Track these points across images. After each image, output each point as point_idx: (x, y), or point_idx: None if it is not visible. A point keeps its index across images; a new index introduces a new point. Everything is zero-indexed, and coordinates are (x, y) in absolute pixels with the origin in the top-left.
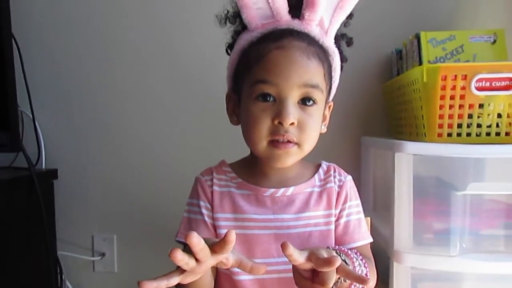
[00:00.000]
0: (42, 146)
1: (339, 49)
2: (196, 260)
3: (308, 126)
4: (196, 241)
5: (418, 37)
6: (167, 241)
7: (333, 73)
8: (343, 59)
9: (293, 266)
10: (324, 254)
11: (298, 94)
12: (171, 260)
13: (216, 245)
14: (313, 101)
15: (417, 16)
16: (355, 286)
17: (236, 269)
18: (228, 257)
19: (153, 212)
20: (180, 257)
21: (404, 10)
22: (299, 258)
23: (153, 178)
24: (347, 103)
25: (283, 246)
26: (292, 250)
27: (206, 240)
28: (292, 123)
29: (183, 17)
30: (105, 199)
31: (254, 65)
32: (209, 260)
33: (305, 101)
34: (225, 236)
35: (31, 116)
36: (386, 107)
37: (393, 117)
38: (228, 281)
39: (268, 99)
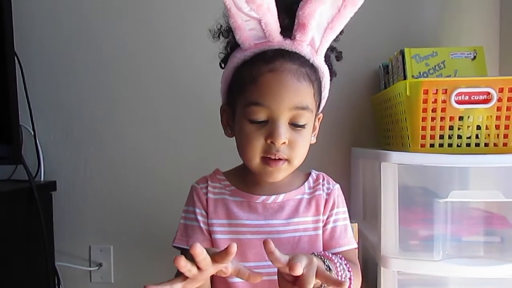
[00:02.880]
0: (42, 159)
1: (329, 65)
2: (198, 268)
3: (298, 144)
4: (200, 251)
5: (402, 53)
6: (164, 252)
7: (322, 90)
8: (332, 74)
9: (278, 269)
10: (303, 260)
11: (289, 116)
12: (175, 266)
13: (217, 255)
14: (303, 124)
15: (403, 33)
16: None
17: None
18: (228, 266)
19: (150, 223)
20: (184, 264)
21: (390, 27)
22: (280, 258)
23: (150, 190)
24: (337, 115)
25: (265, 243)
26: (273, 248)
27: (208, 249)
28: (284, 143)
29: (180, 33)
30: (102, 210)
31: (248, 87)
32: (210, 269)
33: (295, 122)
34: (226, 248)
35: (31, 130)
36: (375, 119)
37: (381, 128)
38: (222, 283)
39: (261, 120)
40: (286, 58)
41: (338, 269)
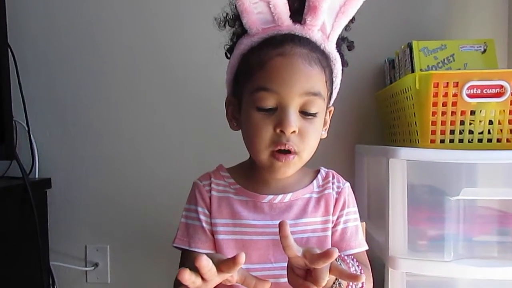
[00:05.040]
0: (36, 155)
1: (340, 53)
2: (202, 279)
3: (309, 135)
4: (205, 264)
5: (410, 46)
6: (162, 252)
7: (334, 79)
8: (344, 63)
9: (288, 264)
10: (316, 252)
11: (300, 102)
12: (179, 280)
13: (223, 264)
14: (314, 112)
15: (408, 26)
16: None
17: None
18: (233, 275)
19: (148, 222)
20: (188, 278)
21: (395, 20)
22: (293, 246)
23: (148, 188)
24: (341, 112)
25: (281, 225)
26: (288, 232)
27: (212, 257)
28: (294, 131)
29: (179, 27)
30: (99, 208)
31: (255, 72)
32: (215, 279)
33: (306, 110)
34: (234, 258)
35: (25, 125)
36: (379, 116)
37: (386, 125)
38: (225, 285)
39: (270, 107)
40: (296, 42)
41: (351, 270)
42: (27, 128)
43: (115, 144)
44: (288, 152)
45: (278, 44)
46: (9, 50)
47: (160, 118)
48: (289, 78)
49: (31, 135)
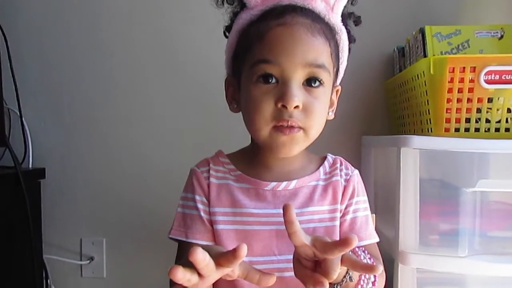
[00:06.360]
0: (30, 144)
1: (346, 29)
2: (199, 275)
3: (314, 110)
4: (201, 258)
5: (422, 32)
6: (161, 245)
7: (340, 53)
8: (351, 39)
9: (294, 255)
10: (328, 241)
11: (303, 74)
12: (170, 279)
13: (222, 258)
14: (319, 81)
15: (418, 12)
16: (362, 286)
17: None
18: (234, 269)
19: (145, 215)
20: (181, 276)
21: (404, 6)
22: (300, 233)
23: (145, 180)
24: (347, 103)
25: (285, 208)
26: (294, 217)
27: (210, 249)
28: (297, 106)
29: (181, 13)
30: (95, 200)
31: (255, 45)
32: (214, 275)
33: (310, 82)
34: (234, 250)
35: (18, 112)
36: (388, 106)
37: (395, 115)
38: (225, 280)
39: (270, 80)
40: (298, 12)
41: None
42: (19, 115)
43: (113, 134)
44: (292, 127)
45: (278, 15)
46: (1, 32)
47: (158, 107)
48: (291, 48)
49: (24, 123)
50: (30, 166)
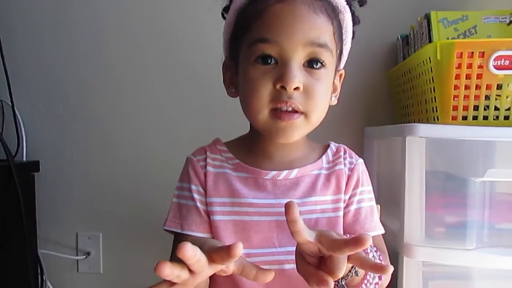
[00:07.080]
0: (23, 136)
1: (350, 8)
2: (190, 271)
3: (316, 92)
4: (190, 254)
5: (428, 18)
6: (157, 240)
7: (343, 34)
8: (355, 20)
9: (297, 249)
10: (336, 237)
11: (304, 54)
12: (158, 275)
13: (215, 254)
14: (321, 63)
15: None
16: (368, 281)
17: None
18: (229, 265)
19: (142, 209)
20: (169, 272)
21: None
22: (304, 231)
23: (142, 173)
24: (349, 93)
25: (288, 206)
26: (297, 215)
27: (204, 243)
28: (297, 88)
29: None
30: (91, 194)
31: (253, 23)
32: (206, 271)
33: (312, 63)
34: (229, 248)
35: (10, 103)
36: (391, 95)
37: (399, 105)
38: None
39: (269, 61)
40: None
41: (369, 256)
42: (11, 106)
43: (109, 126)
44: (292, 112)
45: None
46: None
47: (154, 98)
48: (291, 25)
49: (17, 114)
50: (24, 159)
